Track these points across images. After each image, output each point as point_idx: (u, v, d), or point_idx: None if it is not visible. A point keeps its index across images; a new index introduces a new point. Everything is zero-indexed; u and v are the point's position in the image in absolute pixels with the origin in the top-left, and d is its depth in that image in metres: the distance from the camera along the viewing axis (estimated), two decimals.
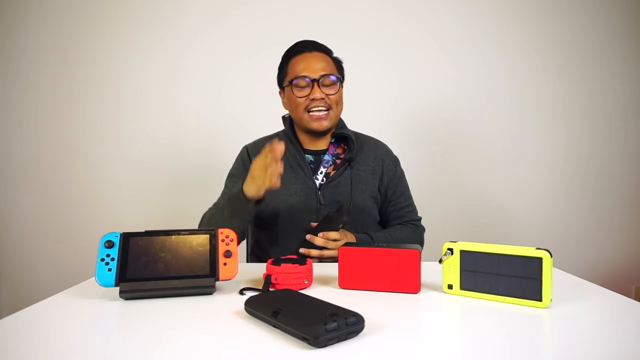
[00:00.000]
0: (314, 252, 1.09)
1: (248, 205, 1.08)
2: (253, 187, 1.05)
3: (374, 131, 1.44)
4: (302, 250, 1.09)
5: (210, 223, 1.16)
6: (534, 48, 2.12)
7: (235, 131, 2.03)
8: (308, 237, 1.09)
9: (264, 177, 1.01)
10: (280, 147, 0.97)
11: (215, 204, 1.25)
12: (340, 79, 1.27)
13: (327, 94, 1.23)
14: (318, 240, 1.08)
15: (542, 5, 2.12)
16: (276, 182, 1.01)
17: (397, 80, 2.11)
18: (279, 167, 0.99)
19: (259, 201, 1.10)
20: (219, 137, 2.09)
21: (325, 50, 1.29)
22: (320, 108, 1.23)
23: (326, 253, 1.09)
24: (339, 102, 1.28)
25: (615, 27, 2.12)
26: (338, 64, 1.31)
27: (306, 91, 1.23)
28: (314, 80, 1.22)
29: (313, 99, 1.22)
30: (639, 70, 2.13)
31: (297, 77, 1.23)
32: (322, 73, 1.23)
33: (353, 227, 1.22)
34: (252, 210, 1.11)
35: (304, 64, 1.24)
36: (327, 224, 1.10)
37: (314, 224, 1.13)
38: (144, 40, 2.10)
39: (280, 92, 1.34)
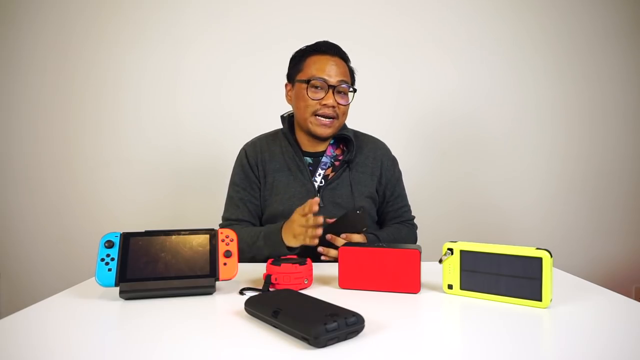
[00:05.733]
0: (333, 253, 1.06)
1: (287, 251, 1.08)
2: (294, 242, 1.06)
3: (374, 131, 1.43)
4: (320, 249, 1.06)
5: (244, 254, 1.12)
6: (534, 48, 2.12)
7: (234, 131, 2.03)
8: (328, 237, 1.06)
9: (305, 237, 1.03)
10: (316, 203, 1.00)
11: (237, 228, 1.20)
12: (354, 90, 1.28)
13: (338, 103, 1.23)
14: (341, 242, 1.06)
15: (543, 5, 2.12)
16: (315, 242, 1.02)
17: (397, 80, 2.11)
18: (318, 231, 1.01)
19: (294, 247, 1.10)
20: (218, 138, 2.09)
21: (345, 58, 1.28)
22: (328, 115, 1.22)
23: None
24: (346, 113, 1.28)
25: (615, 27, 2.12)
26: (352, 73, 1.31)
27: (320, 94, 1.22)
28: (330, 86, 1.21)
29: (325, 105, 1.21)
30: (639, 69, 2.13)
31: (315, 78, 1.21)
32: (340, 79, 1.22)
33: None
34: (290, 253, 1.10)
35: (325, 67, 1.22)
36: (345, 225, 1.07)
37: (330, 220, 1.10)
38: (144, 40, 2.09)
39: (286, 85, 1.32)
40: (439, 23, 2.11)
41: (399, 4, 2.10)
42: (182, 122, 2.10)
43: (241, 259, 0.86)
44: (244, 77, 2.09)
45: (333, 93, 1.21)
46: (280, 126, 1.34)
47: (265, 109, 1.94)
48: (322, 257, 1.07)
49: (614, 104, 2.13)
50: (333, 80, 1.21)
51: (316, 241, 1.03)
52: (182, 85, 2.10)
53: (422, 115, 2.13)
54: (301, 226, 1.03)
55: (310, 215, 1.01)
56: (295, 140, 1.31)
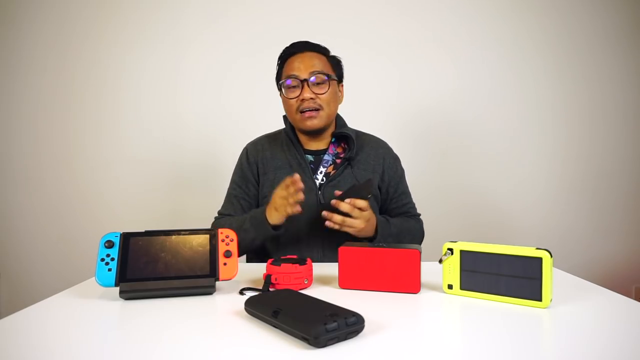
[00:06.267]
0: (337, 218, 1.04)
1: (271, 230, 1.11)
2: (276, 216, 1.09)
3: (375, 130, 1.43)
4: (324, 213, 1.05)
5: None
6: (535, 49, 2.12)
7: (234, 131, 2.03)
8: (333, 202, 1.05)
9: (286, 206, 1.06)
10: (298, 179, 1.03)
11: (228, 218, 1.25)
12: (332, 77, 1.26)
13: (317, 94, 1.22)
14: (344, 206, 1.04)
15: (543, 5, 2.12)
16: (298, 209, 1.06)
17: (398, 80, 2.11)
18: (300, 195, 1.04)
19: (278, 227, 1.12)
20: (219, 137, 2.09)
21: (319, 50, 1.28)
22: (310, 108, 1.22)
23: (348, 221, 1.04)
24: (331, 102, 1.26)
25: (615, 27, 2.12)
26: (335, 63, 1.30)
27: (297, 92, 1.22)
28: (303, 81, 1.21)
29: (303, 99, 1.21)
30: (639, 69, 2.13)
31: (287, 78, 1.23)
32: (311, 71, 1.22)
33: None
34: (274, 234, 1.12)
35: (295, 64, 1.23)
36: (353, 194, 1.06)
37: (338, 192, 1.09)
38: (144, 40, 2.09)
39: (280, 94, 1.34)
40: (439, 23, 2.11)
41: (399, 4, 2.10)
42: (182, 121, 2.10)
43: None
44: (244, 77, 2.09)
45: (309, 86, 1.21)
46: (283, 126, 1.35)
47: (265, 109, 1.95)
48: (327, 223, 1.05)
49: (614, 104, 2.13)
50: (304, 74, 1.21)
51: (298, 208, 1.06)
52: (182, 85, 2.10)
53: (423, 115, 2.13)
54: (282, 198, 1.06)
55: (292, 187, 1.04)
56: (297, 139, 1.31)
